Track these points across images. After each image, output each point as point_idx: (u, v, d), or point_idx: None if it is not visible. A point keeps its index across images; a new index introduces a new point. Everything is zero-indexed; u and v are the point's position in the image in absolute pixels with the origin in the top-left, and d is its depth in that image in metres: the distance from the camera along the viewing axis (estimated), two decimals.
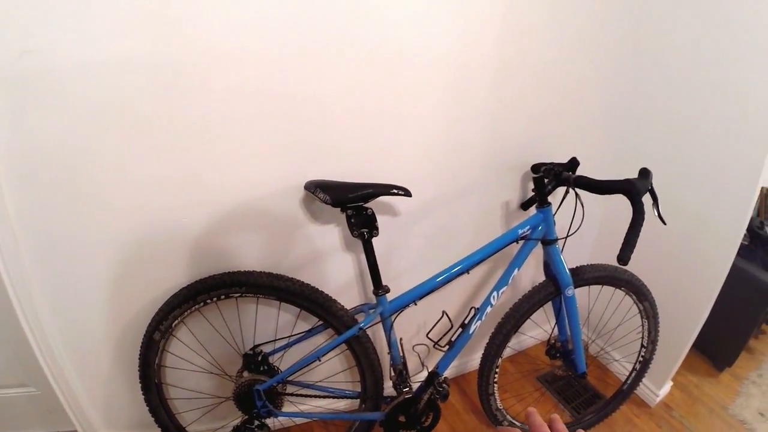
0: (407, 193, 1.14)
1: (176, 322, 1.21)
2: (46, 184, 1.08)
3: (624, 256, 1.00)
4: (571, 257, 1.32)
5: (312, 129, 1.16)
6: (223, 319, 1.30)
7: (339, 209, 1.16)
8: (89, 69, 0.97)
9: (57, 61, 0.95)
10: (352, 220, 1.14)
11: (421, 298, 1.21)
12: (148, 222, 1.16)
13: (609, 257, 1.32)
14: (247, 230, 1.22)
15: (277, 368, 1.28)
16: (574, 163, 1.28)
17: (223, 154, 1.12)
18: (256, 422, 1.25)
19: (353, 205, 1.12)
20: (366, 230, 1.14)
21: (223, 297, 1.19)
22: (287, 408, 1.27)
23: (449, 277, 1.21)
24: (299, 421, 1.41)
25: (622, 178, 1.06)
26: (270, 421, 1.27)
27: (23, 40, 0.92)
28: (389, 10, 1.09)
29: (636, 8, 1.36)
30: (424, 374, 1.31)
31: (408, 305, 1.21)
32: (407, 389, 1.26)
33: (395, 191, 1.13)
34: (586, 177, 1.15)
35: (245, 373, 1.25)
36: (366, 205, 1.13)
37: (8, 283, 1.14)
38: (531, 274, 1.65)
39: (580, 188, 1.16)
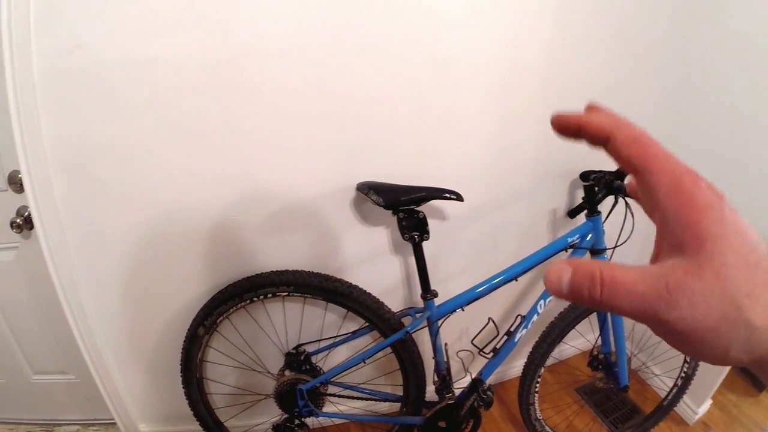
0: (459, 198, 1.15)
1: (221, 318, 1.24)
2: (93, 178, 1.12)
3: None
4: None
5: (363, 130, 1.18)
6: (269, 317, 1.32)
7: (390, 212, 1.17)
8: (138, 66, 1.00)
9: (107, 56, 0.98)
10: (404, 223, 1.15)
11: (469, 303, 1.22)
12: (195, 219, 1.19)
13: None
14: (296, 230, 1.25)
15: (319, 368, 1.30)
16: (623, 171, 1.28)
17: (274, 154, 1.15)
18: (297, 421, 1.27)
19: (405, 208, 1.13)
20: (417, 234, 1.16)
21: (270, 296, 1.21)
22: (327, 408, 1.29)
23: (500, 283, 1.22)
24: (338, 421, 1.43)
25: None
26: (308, 420, 1.30)
27: (75, 35, 0.95)
28: (444, 12, 1.10)
29: (682, 6, 1.34)
30: (466, 380, 1.33)
31: (455, 310, 1.23)
32: (450, 395, 1.28)
33: (448, 195, 1.14)
34: None
35: (287, 372, 1.28)
36: (418, 208, 1.15)
37: (54, 274, 1.19)
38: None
39: (631, 198, 1.16)
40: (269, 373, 1.36)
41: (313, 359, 1.32)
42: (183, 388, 1.31)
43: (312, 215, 1.24)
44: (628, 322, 1.55)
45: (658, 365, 1.71)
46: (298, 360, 1.30)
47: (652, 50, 1.36)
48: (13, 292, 1.35)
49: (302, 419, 1.27)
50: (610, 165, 1.29)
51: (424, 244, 1.20)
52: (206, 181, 1.15)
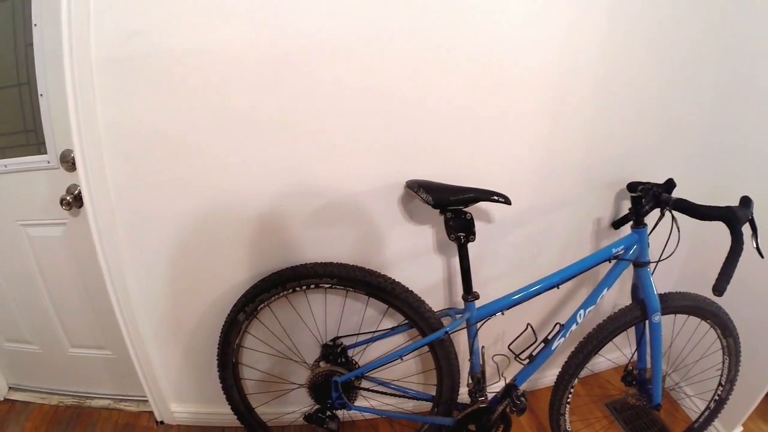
0: (507, 201, 1.16)
1: (262, 305, 1.27)
2: (146, 163, 1.16)
3: (720, 286, 1.00)
4: (656, 283, 1.31)
5: (414, 128, 1.20)
6: (309, 307, 1.35)
7: (438, 211, 1.18)
8: (193, 55, 1.04)
9: (163, 45, 1.02)
10: (451, 223, 1.17)
11: (509, 308, 1.23)
12: (242, 207, 1.23)
13: (695, 286, 1.33)
14: (342, 223, 1.27)
15: (355, 362, 1.32)
16: (670, 184, 1.28)
17: (323, 148, 1.18)
18: (328, 412, 1.29)
19: (453, 208, 1.15)
20: (463, 234, 1.17)
21: (312, 286, 1.24)
22: (359, 402, 1.31)
23: (541, 289, 1.23)
24: (369, 416, 1.45)
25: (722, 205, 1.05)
26: (339, 413, 1.32)
27: (133, 22, 0.99)
28: (500, 12, 1.12)
29: (742, 14, 1.32)
30: (499, 385, 1.34)
31: (495, 314, 1.24)
32: (483, 398, 1.29)
33: (496, 198, 1.15)
34: (685, 200, 1.14)
35: (322, 363, 1.30)
36: (465, 209, 1.16)
37: (101, 252, 1.24)
38: (613, 296, 1.64)
39: (678, 211, 1.16)
40: (305, 362, 1.38)
41: (350, 353, 1.34)
42: (218, 371, 1.35)
43: (358, 211, 1.26)
44: (664, 340, 1.55)
45: (691, 386, 1.69)
46: (334, 352, 1.32)
47: (705, 46, 1.33)
48: (58, 267, 1.41)
49: (333, 411, 1.29)
50: (658, 177, 1.30)
51: (469, 245, 1.21)
52: (255, 171, 1.19)
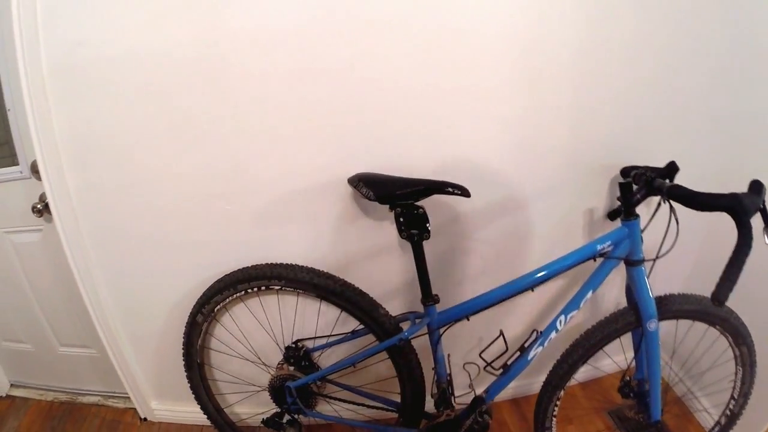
0: (464, 193, 1.06)
1: (218, 307, 1.28)
2: (99, 168, 1.21)
3: (720, 294, 0.85)
4: (661, 283, 1.15)
5: (361, 116, 1.13)
6: (263, 310, 1.33)
7: (388, 207, 1.11)
8: (134, 58, 1.06)
9: (104, 52, 1.06)
10: (401, 219, 1.09)
11: (475, 312, 1.14)
12: (192, 208, 1.23)
13: (709, 287, 1.14)
14: (292, 222, 1.24)
15: (318, 366, 1.30)
16: (671, 168, 1.12)
17: (265, 143, 1.15)
18: (287, 417, 1.28)
19: (402, 202, 1.06)
20: (416, 232, 1.09)
21: (263, 288, 1.22)
22: (323, 407, 1.28)
23: (510, 292, 1.12)
24: (323, 422, 1.43)
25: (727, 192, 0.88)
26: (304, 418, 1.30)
27: (76, 32, 1.04)
28: None
29: None
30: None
31: (459, 319, 1.15)
32: (449, 411, 1.21)
33: (450, 189, 1.05)
34: (681, 186, 0.98)
35: (285, 366, 1.28)
36: (417, 203, 1.07)
37: (70, 256, 1.30)
38: (616, 294, 1.48)
39: (673, 200, 1.00)
40: (264, 365, 1.38)
41: (316, 356, 1.32)
42: (185, 371, 1.37)
43: (308, 207, 1.22)
44: (670, 337, 1.37)
45: (706, 396, 1.49)
46: (296, 355, 1.30)
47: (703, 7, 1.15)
48: (40, 270, 1.51)
49: (293, 415, 1.27)
50: (658, 160, 1.13)
51: (435, 243, 1.12)
52: (199, 171, 1.18)
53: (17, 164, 1.35)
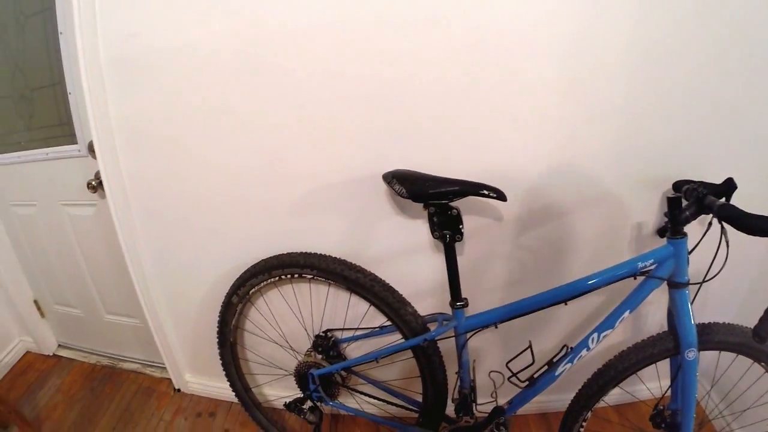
0: (500, 196, 1.04)
1: (253, 290, 1.33)
2: (148, 153, 1.29)
3: (762, 330, 0.79)
4: (710, 310, 1.08)
5: (398, 115, 1.13)
6: (296, 297, 1.37)
7: (422, 205, 1.10)
8: (182, 51, 1.13)
9: (154, 44, 1.13)
10: (435, 219, 1.09)
11: (503, 321, 1.12)
12: (231, 196, 1.29)
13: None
14: (327, 214, 1.27)
15: (345, 357, 1.32)
16: (729, 186, 1.04)
17: (302, 137, 1.18)
18: (309, 403, 1.31)
19: (436, 202, 1.06)
20: (448, 232, 1.08)
21: (296, 276, 1.25)
22: (345, 398, 1.31)
23: (542, 303, 1.09)
24: (345, 413, 1.45)
25: None
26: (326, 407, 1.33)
27: (130, 24, 1.13)
28: None
29: None
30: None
31: (487, 326, 1.13)
32: (468, 417, 1.20)
33: (486, 192, 1.04)
34: (732, 206, 0.90)
35: (313, 354, 1.32)
36: (452, 204, 1.06)
37: (120, 231, 1.39)
38: (661, 315, 1.41)
39: (724, 221, 0.93)
40: (293, 350, 1.41)
41: (344, 347, 1.35)
42: (218, 348, 1.44)
43: (346, 201, 1.24)
44: (707, 370, 1.29)
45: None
46: (325, 344, 1.33)
47: None
48: (92, 242, 1.62)
49: (315, 403, 1.30)
50: (715, 176, 1.06)
51: (470, 245, 1.10)
52: (241, 158, 1.23)
53: (76, 143, 1.46)
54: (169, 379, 1.70)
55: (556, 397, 1.53)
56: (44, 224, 1.67)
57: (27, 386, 1.79)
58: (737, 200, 0.99)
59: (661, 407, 1.20)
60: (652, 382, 1.40)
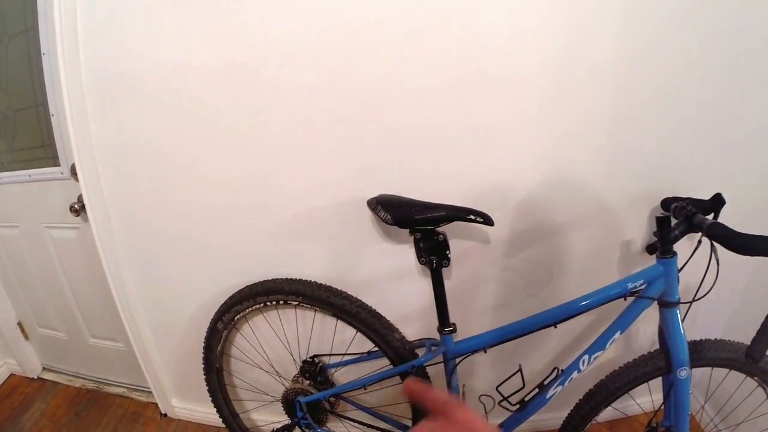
0: (487, 221, 1.04)
1: (238, 316, 1.31)
2: (131, 175, 1.28)
3: (754, 352, 0.79)
4: (700, 325, 1.07)
5: (386, 140, 1.13)
6: (281, 323, 1.36)
7: (408, 231, 1.10)
8: (165, 73, 1.12)
9: (137, 67, 1.13)
10: (420, 245, 1.08)
11: (492, 345, 1.11)
12: (216, 219, 1.28)
13: (751, 332, 1.05)
14: (313, 238, 1.26)
15: (333, 383, 1.31)
16: (717, 201, 1.04)
17: (289, 160, 1.17)
18: (297, 431, 1.30)
19: (423, 228, 1.05)
20: (435, 258, 1.07)
21: (281, 302, 1.24)
22: (335, 423, 1.30)
23: (525, 328, 1.08)
24: None
25: None
26: None
27: (112, 47, 1.12)
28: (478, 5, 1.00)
29: None
30: None
31: (476, 351, 1.12)
32: None
33: (472, 217, 1.04)
34: (722, 225, 0.91)
35: (301, 379, 1.31)
36: (438, 229, 1.06)
37: (102, 254, 1.38)
38: (652, 332, 1.41)
39: (713, 240, 0.93)
40: (279, 376, 1.40)
41: (332, 372, 1.34)
42: (204, 374, 1.42)
43: (329, 226, 1.24)
44: (701, 383, 1.29)
45: None
46: (312, 370, 1.31)
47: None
48: (76, 265, 1.60)
49: (303, 429, 1.29)
50: (705, 192, 1.06)
51: (458, 269, 1.09)
52: (224, 183, 1.22)
53: (59, 165, 1.45)
54: (156, 404, 1.68)
55: (550, 416, 1.52)
56: (27, 246, 1.66)
57: (11, 410, 1.77)
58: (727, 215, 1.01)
59: (655, 424, 1.20)
60: (643, 398, 1.40)
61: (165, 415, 1.68)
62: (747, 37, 1.05)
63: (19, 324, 1.87)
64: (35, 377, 1.89)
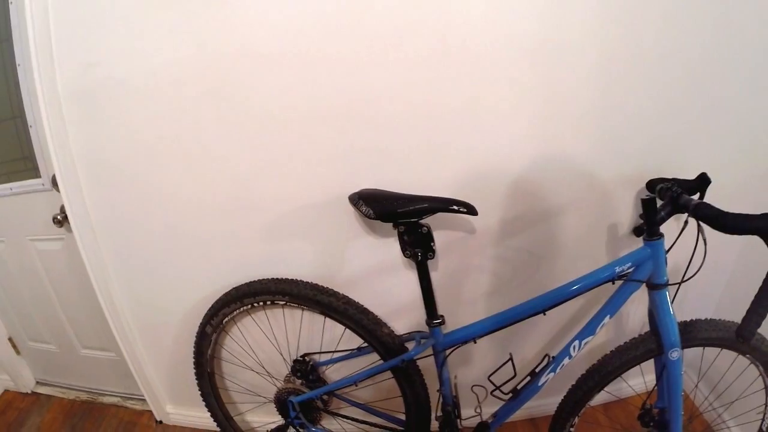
0: (471, 211, 1.03)
1: (226, 319, 1.31)
2: (113, 183, 1.26)
3: (744, 331, 0.79)
4: (689, 305, 1.07)
5: (367, 133, 1.12)
6: (269, 324, 1.35)
7: (391, 225, 1.09)
8: (142, 79, 1.10)
9: (114, 73, 1.11)
10: (405, 238, 1.08)
11: (482, 335, 1.11)
12: (200, 224, 1.27)
13: (741, 310, 1.05)
14: (298, 238, 1.25)
15: (325, 380, 1.31)
16: (702, 181, 1.04)
17: (272, 160, 1.16)
18: (291, 430, 1.30)
19: (406, 221, 1.05)
20: (420, 251, 1.07)
21: (268, 303, 1.24)
22: (329, 420, 1.30)
23: (521, 314, 1.08)
24: None
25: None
26: None
27: (87, 54, 1.10)
28: None
29: None
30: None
31: (466, 342, 1.12)
32: None
33: (455, 208, 1.03)
34: (708, 205, 0.91)
35: (292, 379, 1.30)
36: (422, 221, 1.05)
37: (87, 264, 1.37)
38: (642, 313, 1.41)
39: (700, 220, 0.93)
40: (271, 377, 1.40)
41: (324, 369, 1.34)
42: (195, 379, 1.42)
43: (314, 224, 1.23)
44: (694, 362, 1.29)
45: (740, 426, 1.40)
46: (304, 369, 1.31)
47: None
48: (63, 276, 1.59)
49: (298, 429, 1.29)
50: (689, 172, 1.06)
51: (445, 260, 1.09)
52: (207, 185, 1.21)
53: (40, 177, 1.44)
54: (151, 412, 1.67)
55: (544, 401, 1.53)
56: (13, 260, 1.65)
57: (7, 426, 1.76)
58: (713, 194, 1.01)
59: (649, 406, 1.20)
60: (636, 380, 1.41)
61: (160, 422, 1.68)
62: (732, 18, 1.05)
63: (10, 339, 1.86)
64: (29, 392, 1.89)
